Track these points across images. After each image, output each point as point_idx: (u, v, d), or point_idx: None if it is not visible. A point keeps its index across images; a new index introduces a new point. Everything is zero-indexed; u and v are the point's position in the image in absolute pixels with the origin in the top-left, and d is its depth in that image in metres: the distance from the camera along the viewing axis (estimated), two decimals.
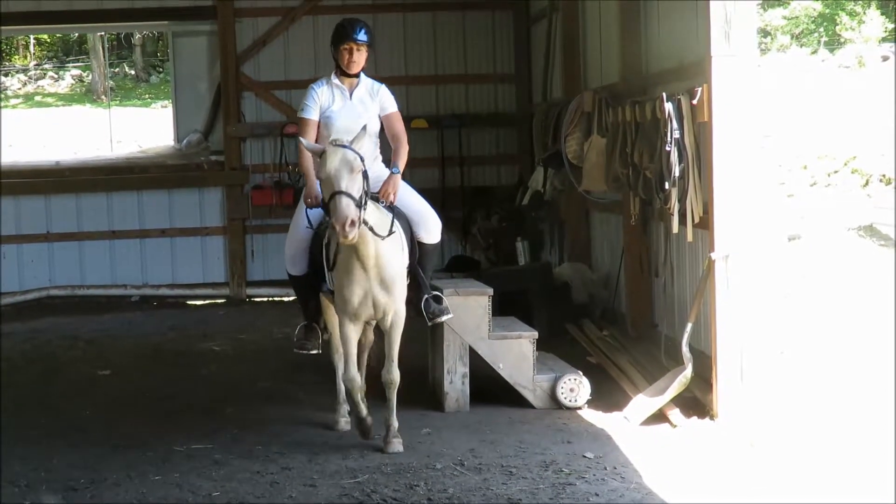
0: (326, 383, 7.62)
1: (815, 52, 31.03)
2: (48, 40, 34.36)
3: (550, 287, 10.64)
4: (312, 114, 6.99)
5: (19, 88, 34.00)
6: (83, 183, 14.40)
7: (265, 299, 14.18)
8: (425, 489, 6.23)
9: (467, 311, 8.02)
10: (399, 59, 14.08)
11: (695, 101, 7.59)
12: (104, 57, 33.56)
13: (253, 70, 14.14)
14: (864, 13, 33.92)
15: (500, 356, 8.05)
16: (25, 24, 16.19)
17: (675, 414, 7.49)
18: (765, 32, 28.68)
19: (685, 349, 7.63)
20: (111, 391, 9.32)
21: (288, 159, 13.30)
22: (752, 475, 6.34)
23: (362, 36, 6.89)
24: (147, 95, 32.22)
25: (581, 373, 8.17)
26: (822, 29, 34.05)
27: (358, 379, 6.89)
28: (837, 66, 27.24)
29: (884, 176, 18.77)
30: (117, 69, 34.85)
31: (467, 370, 8.01)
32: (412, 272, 7.14)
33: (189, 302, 14.27)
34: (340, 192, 5.95)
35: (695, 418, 7.39)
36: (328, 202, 6.11)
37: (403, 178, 7.00)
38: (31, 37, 32.85)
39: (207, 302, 14.21)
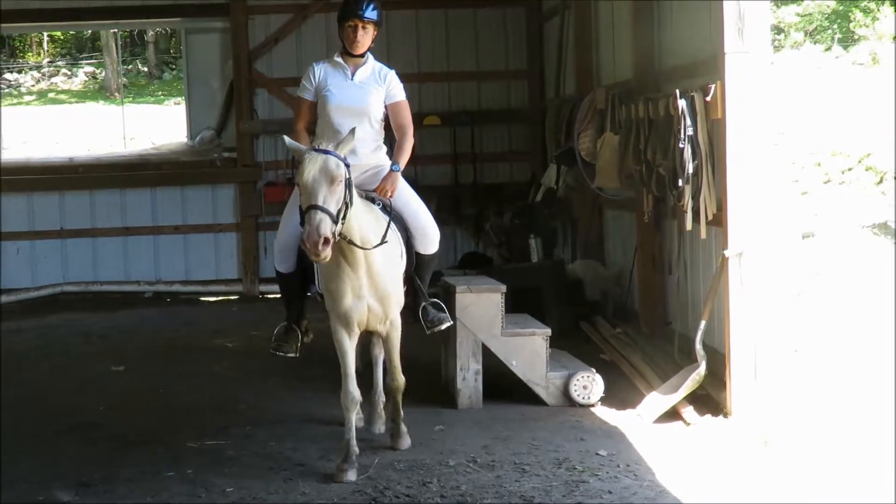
0: (338, 379, 7.53)
1: (828, 48, 30.97)
2: (61, 37, 34.45)
3: (563, 284, 10.63)
4: (308, 94, 6.61)
5: (33, 85, 34.09)
6: (97, 179, 14.46)
7: (278, 296, 14.17)
8: (438, 486, 6.23)
9: (480, 307, 8.01)
10: (412, 56, 14.09)
11: (708, 98, 7.59)
12: (117, 54, 33.61)
13: (265, 67, 14.16)
14: (879, 10, 33.88)
15: (512, 353, 8.04)
16: (39, 21, 16.26)
17: (688, 412, 7.47)
18: (778, 29, 28.62)
19: (698, 347, 7.62)
20: (125, 387, 9.33)
21: None
22: (765, 474, 6.33)
23: (370, 12, 6.45)
24: (160, 92, 32.29)
25: (594, 370, 8.16)
26: (835, 26, 34.01)
27: (356, 395, 6.36)
28: (851, 63, 27.19)
29: None
30: (130, 66, 34.93)
31: (480, 367, 8.00)
32: (409, 280, 6.84)
33: (202, 298, 14.31)
34: (315, 207, 5.42)
35: (708, 416, 7.39)
36: (304, 214, 5.58)
37: (411, 183, 6.81)
38: (45, 34, 32.90)
39: (220, 298, 14.25)
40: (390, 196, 6.33)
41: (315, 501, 5.91)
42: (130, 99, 31.78)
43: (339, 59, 6.54)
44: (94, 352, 10.93)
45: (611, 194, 10.44)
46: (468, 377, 8.01)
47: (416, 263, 6.74)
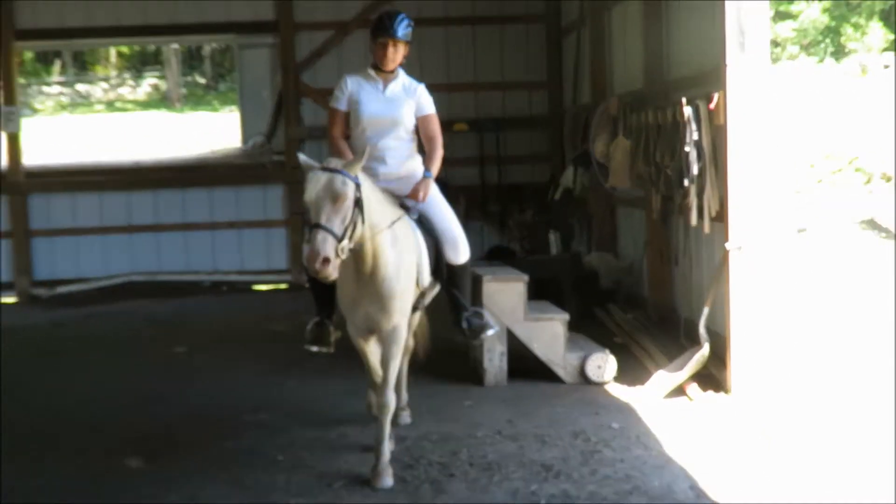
0: None
1: (821, 60, 30.75)
2: (127, 52, 34.53)
3: (580, 274, 10.64)
4: (341, 104, 6.16)
5: (102, 96, 34.24)
6: (160, 180, 14.56)
7: None
8: (467, 455, 6.28)
9: (505, 295, 8.04)
10: (443, 68, 14.08)
11: (712, 106, 7.58)
12: (177, 67, 33.81)
13: (310, 78, 14.17)
14: (867, 25, 33.70)
15: (534, 336, 8.07)
16: (107, 37, 16.36)
17: (692, 389, 7.50)
18: (775, 43, 28.39)
19: (702, 330, 7.64)
20: (187, 366, 9.42)
21: None
22: (762, 445, 6.34)
23: (401, 32, 6.05)
24: (216, 102, 32.33)
25: (608, 351, 8.19)
26: (828, 40, 33.77)
27: (391, 403, 5.80)
28: (842, 74, 27.02)
29: (884, 174, 18.64)
30: (189, 78, 35.00)
31: (505, 349, 8.04)
32: (446, 295, 6.40)
33: (254, 287, 14.37)
34: (318, 226, 4.99)
35: (710, 392, 7.39)
36: (308, 232, 5.13)
37: (442, 185, 6.38)
38: (112, 49, 33.04)
39: (271, 287, 14.29)
40: (422, 199, 5.96)
41: (356, 470, 5.93)
42: (189, 108, 31.90)
43: (372, 73, 6.15)
44: (159, 334, 11.03)
45: (623, 193, 10.43)
46: (494, 358, 8.05)
47: (448, 276, 6.25)
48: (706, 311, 7.67)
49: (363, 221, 5.20)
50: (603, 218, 11.75)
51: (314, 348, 6.12)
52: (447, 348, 7.98)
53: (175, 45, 30.05)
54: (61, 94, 34.01)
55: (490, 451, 6.37)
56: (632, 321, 9.65)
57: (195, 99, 33.26)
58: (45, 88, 33.85)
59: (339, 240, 5.01)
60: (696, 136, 7.76)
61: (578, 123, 12.16)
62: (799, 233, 15.05)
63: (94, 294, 13.82)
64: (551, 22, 14.27)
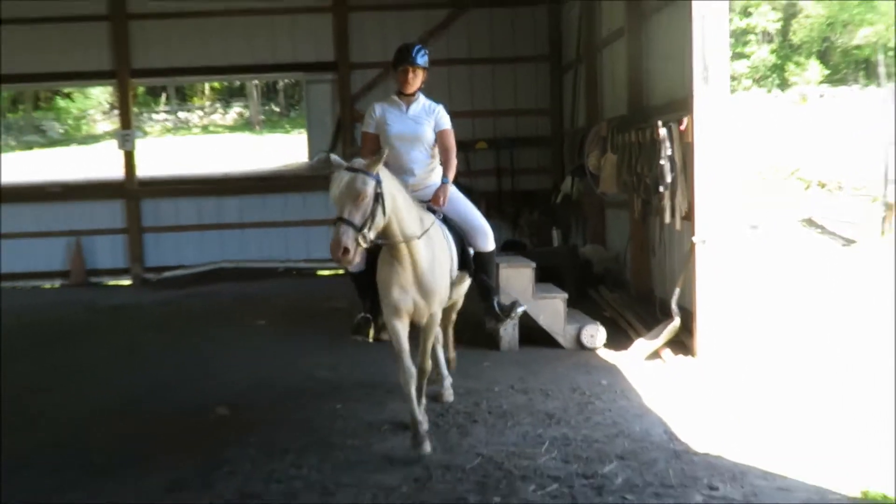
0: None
1: (769, 91, 30.62)
2: (218, 87, 34.70)
3: (576, 262, 10.63)
4: (370, 128, 5.82)
5: (198, 121, 34.43)
6: (244, 188, 14.61)
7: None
8: (486, 405, 6.31)
9: (517, 278, 8.04)
10: (467, 98, 14.09)
11: (682, 128, 7.59)
12: (257, 98, 33.96)
13: (363, 107, 14.02)
14: (807, 63, 33.57)
15: (540, 311, 8.07)
16: (202, 74, 16.46)
17: (666, 353, 7.50)
18: (733, 77, 28.21)
19: (674, 307, 7.65)
20: (265, 334, 9.48)
21: None
22: (720, 397, 6.33)
23: (419, 60, 5.68)
24: (288, 126, 32.36)
25: (599, 323, 8.19)
26: (775, 75, 33.68)
27: (412, 369, 5.35)
28: (786, 102, 26.94)
29: (820, 182, 18.57)
30: (266, 107, 35.10)
31: (516, 320, 8.03)
32: (476, 282, 5.96)
33: (318, 272, 14.41)
34: (340, 220, 4.76)
35: (680, 356, 7.38)
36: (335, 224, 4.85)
37: (466, 191, 6.15)
38: (206, 84, 33.22)
39: (331, 272, 14.33)
40: (443, 203, 5.56)
41: (398, 417, 5.93)
42: (267, 130, 32.02)
43: (396, 98, 5.79)
44: (244, 310, 11.10)
45: (611, 198, 10.41)
46: (508, 328, 8.03)
47: (476, 264, 5.83)
48: (677, 291, 7.66)
49: (384, 213, 4.88)
50: (595, 217, 11.74)
51: (358, 338, 5.72)
52: (469, 319, 7.97)
53: (255, 81, 30.16)
54: (166, 119, 34.21)
55: (504, 402, 6.39)
56: (617, 299, 9.63)
57: (271, 123, 33.38)
58: (154, 115, 34.06)
59: (359, 230, 4.74)
60: (669, 152, 7.75)
61: (575, 142, 12.18)
62: (752, 229, 14.98)
63: (192, 278, 13.94)
64: (554, 61, 14.22)
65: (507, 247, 12.31)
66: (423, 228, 5.23)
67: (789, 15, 35.26)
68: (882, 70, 33.26)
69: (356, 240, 4.72)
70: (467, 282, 6.02)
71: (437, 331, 5.60)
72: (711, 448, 5.26)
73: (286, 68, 15.02)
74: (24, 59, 14.06)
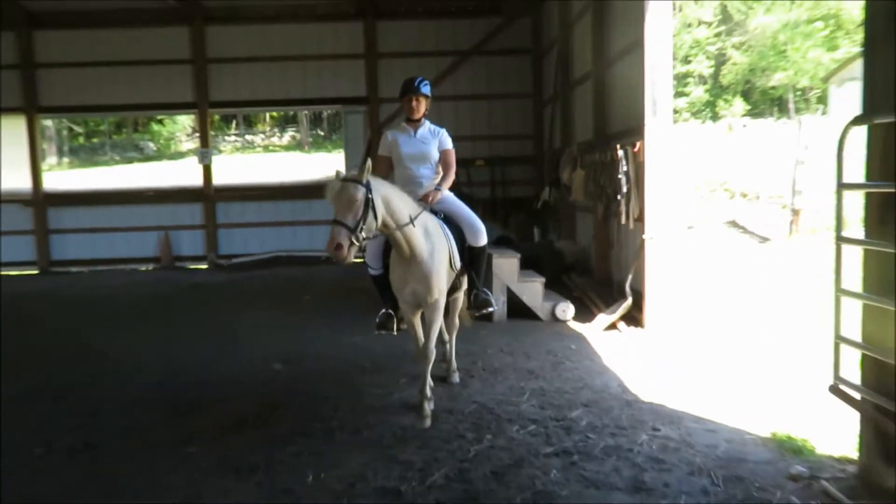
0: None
1: (703, 122, 30.57)
2: (275, 115, 34.69)
3: (552, 254, 10.61)
4: (383, 151, 5.43)
5: (260, 142, 34.46)
6: (296, 194, 14.57)
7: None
8: (481, 364, 6.32)
9: (506, 266, 8.04)
10: (469, 125, 14.06)
11: (636, 150, 7.55)
12: (306, 124, 33.95)
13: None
14: (733, 100, 33.58)
15: (523, 291, 8.07)
16: (263, 106, 16.44)
17: (621, 325, 7.49)
18: (676, 110, 28.25)
19: (627, 289, 7.61)
20: (311, 308, 9.48)
21: None
22: (663, 359, 6.33)
23: (422, 89, 5.34)
24: (330, 146, 32.32)
25: (569, 301, 8.17)
26: (708, 109, 33.72)
27: (430, 354, 4.99)
28: (716, 131, 26.93)
29: (742, 192, 18.53)
30: (314, 131, 35.07)
31: (505, 298, 8.03)
32: (467, 273, 5.44)
33: (353, 260, 14.35)
34: (334, 222, 4.39)
35: (632, 327, 7.38)
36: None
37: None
38: (267, 113, 33.21)
39: (361, 260, 14.28)
40: (430, 202, 5.15)
41: (413, 373, 5.89)
42: (314, 150, 32.00)
43: (405, 124, 5.41)
44: (294, 288, 11.10)
45: (580, 204, 10.39)
46: (499, 304, 8.00)
47: (469, 258, 5.35)
48: (630, 276, 7.64)
49: (376, 216, 4.47)
50: (567, 219, 11.70)
51: (382, 332, 5.23)
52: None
53: (305, 111, 30.19)
54: (235, 140, 34.21)
55: (495, 361, 6.40)
56: (584, 283, 9.61)
57: (317, 144, 33.38)
58: (226, 137, 34.08)
59: (352, 230, 4.35)
60: (625, 169, 7.72)
61: (552, 160, 12.11)
62: (688, 228, 14.93)
63: (254, 263, 13.94)
64: (536, 97, 14.18)
65: (498, 242, 12.29)
66: (414, 212, 4.79)
67: (720, 62, 35.24)
68: (791, 106, 33.34)
69: (349, 238, 4.34)
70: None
71: (438, 319, 4.99)
72: (655, 398, 5.27)
73: (329, 101, 14.98)
74: (126, 92, 14.14)
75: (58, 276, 13.65)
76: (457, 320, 5.86)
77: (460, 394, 5.50)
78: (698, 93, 34.47)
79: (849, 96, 24.14)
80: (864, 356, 3.82)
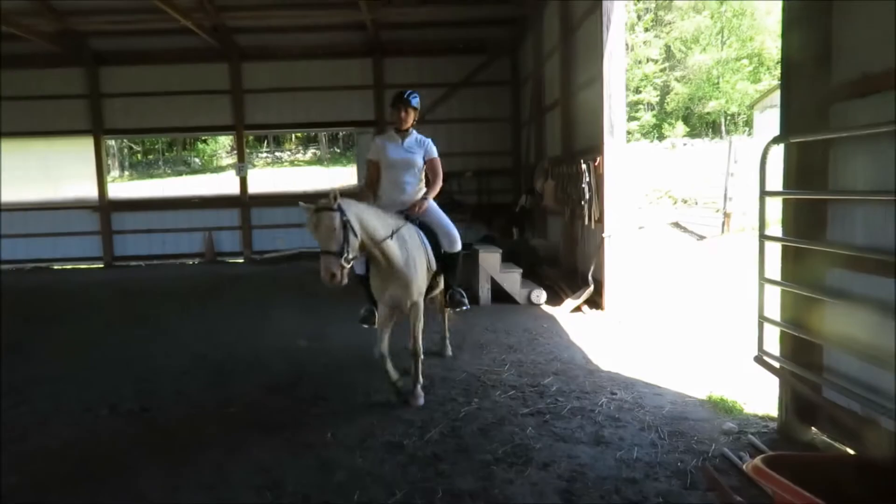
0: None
1: (652, 141, 30.58)
2: (300, 136, 34.51)
3: (528, 249, 10.56)
4: (372, 156, 4.88)
5: (287, 158, 34.30)
6: (316, 200, 14.42)
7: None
8: (470, 339, 6.30)
9: (490, 259, 8.02)
10: (460, 142, 13.94)
11: (596, 164, 7.53)
12: (325, 143, 33.76)
13: None
14: (676, 123, 33.65)
15: (505, 280, 8.05)
16: (289, 128, 16.41)
17: (585, 308, 7.46)
18: (628, 132, 28.34)
19: (590, 278, 7.61)
20: (329, 296, 9.41)
21: None
22: (619, 335, 6.32)
23: (411, 101, 4.86)
24: (345, 161, 32.18)
25: (542, 288, 8.15)
26: (655, 131, 33.77)
27: (384, 352, 4.52)
28: (662, 149, 26.91)
29: (683, 199, 18.54)
30: (331, 149, 34.92)
31: (489, 286, 8.02)
32: (444, 276, 4.96)
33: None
34: (322, 252, 3.91)
35: (594, 310, 7.37)
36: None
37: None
38: (293, 134, 33.07)
39: None
40: (417, 211, 4.69)
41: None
42: (331, 164, 31.86)
43: (394, 133, 4.90)
44: (316, 280, 10.99)
45: (551, 209, 10.35)
46: (484, 291, 8.02)
47: (444, 262, 4.82)
48: (592, 268, 7.63)
49: (356, 236, 4.00)
50: (540, 221, 11.68)
51: (364, 325, 4.86)
52: (459, 285, 7.91)
53: (324, 132, 30.00)
54: (267, 156, 34.05)
55: (481, 337, 6.38)
56: (554, 273, 9.59)
57: (334, 160, 33.21)
58: (259, 154, 33.91)
59: (340, 256, 3.89)
60: (588, 179, 7.69)
61: (529, 172, 12.07)
62: (640, 229, 14.93)
63: (282, 258, 13.83)
64: (515, 120, 14.13)
65: (484, 240, 12.27)
66: (390, 228, 4.30)
67: (664, 92, 35.31)
68: (723, 128, 33.43)
69: (339, 264, 3.88)
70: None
71: (421, 317, 4.55)
72: (612, 368, 5.27)
73: (344, 124, 14.88)
74: (176, 117, 14.02)
75: (120, 269, 13.55)
76: (446, 312, 5.52)
77: (453, 364, 5.49)
78: (647, 117, 34.54)
79: (770, 120, 24.19)
80: (782, 333, 3.83)
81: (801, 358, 3.65)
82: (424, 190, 4.88)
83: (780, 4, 3.88)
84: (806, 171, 3.59)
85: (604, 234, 7.32)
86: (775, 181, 3.77)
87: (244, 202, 14.20)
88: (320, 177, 26.62)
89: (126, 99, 13.90)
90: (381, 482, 3.41)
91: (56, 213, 13.94)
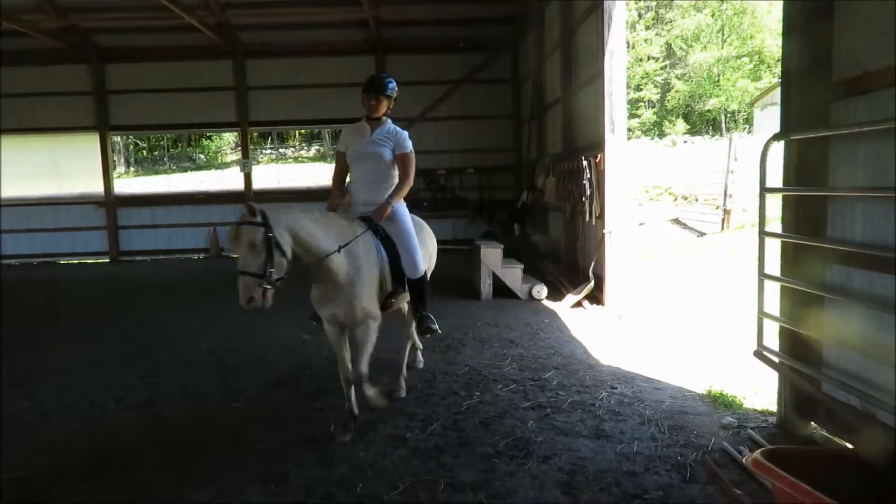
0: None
1: (652, 139, 30.54)
2: (303, 132, 34.52)
3: (529, 245, 10.59)
4: (341, 147, 4.26)
5: (291, 155, 34.29)
6: (320, 196, 14.41)
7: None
8: (472, 334, 6.29)
9: (491, 255, 8.02)
10: (462, 139, 13.96)
11: (597, 161, 7.52)
12: (328, 139, 33.75)
13: None
14: (676, 121, 33.54)
15: (506, 275, 8.05)
16: (294, 125, 16.37)
17: (585, 303, 7.47)
18: (629, 129, 28.38)
19: (590, 274, 7.61)
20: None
21: None
22: (619, 330, 6.32)
23: (387, 90, 4.16)
24: None
25: (543, 283, 8.16)
26: (656, 128, 33.70)
27: (346, 370, 3.95)
28: (662, 146, 26.85)
29: (683, 196, 18.50)
30: (334, 145, 34.94)
31: (491, 281, 8.02)
32: (411, 299, 4.23)
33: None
34: (240, 273, 3.34)
35: (595, 305, 7.37)
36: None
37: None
38: (296, 130, 33.04)
39: None
40: (377, 218, 3.95)
41: (415, 342, 5.91)
42: (333, 161, 31.82)
43: (364, 122, 4.21)
44: None
45: (552, 205, 10.35)
46: (486, 286, 8.02)
47: (409, 285, 4.09)
48: (593, 263, 7.63)
49: (283, 253, 3.38)
50: (542, 217, 11.67)
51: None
52: (462, 280, 7.91)
53: (327, 129, 29.95)
54: (271, 153, 34.08)
55: (483, 332, 6.37)
56: (555, 269, 9.59)
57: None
58: (263, 150, 33.92)
59: (261, 277, 3.31)
60: (589, 176, 7.68)
61: (529, 169, 12.06)
62: (640, 225, 14.91)
63: None
64: (516, 118, 14.08)
65: (485, 235, 12.28)
66: (344, 242, 3.65)
67: (665, 90, 35.22)
68: (723, 125, 33.33)
69: (259, 287, 3.32)
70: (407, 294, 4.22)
71: (370, 340, 3.83)
72: (613, 362, 5.27)
73: (347, 121, 14.74)
74: (181, 114, 14.00)
75: (125, 264, 13.58)
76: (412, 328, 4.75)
77: (455, 359, 5.49)
78: (648, 115, 34.47)
79: (770, 118, 24.15)
80: (781, 328, 3.82)
81: (800, 353, 3.65)
82: (392, 185, 4.14)
83: (780, 3, 3.86)
84: (806, 168, 3.58)
85: (604, 231, 7.32)
86: (775, 178, 3.76)
87: (248, 198, 14.15)
88: (324, 173, 26.63)
89: (131, 95, 13.89)
90: (384, 475, 3.41)
91: (62, 208, 13.99)
